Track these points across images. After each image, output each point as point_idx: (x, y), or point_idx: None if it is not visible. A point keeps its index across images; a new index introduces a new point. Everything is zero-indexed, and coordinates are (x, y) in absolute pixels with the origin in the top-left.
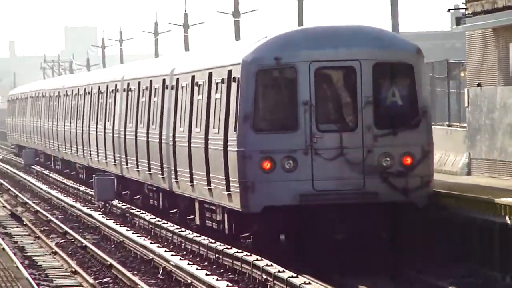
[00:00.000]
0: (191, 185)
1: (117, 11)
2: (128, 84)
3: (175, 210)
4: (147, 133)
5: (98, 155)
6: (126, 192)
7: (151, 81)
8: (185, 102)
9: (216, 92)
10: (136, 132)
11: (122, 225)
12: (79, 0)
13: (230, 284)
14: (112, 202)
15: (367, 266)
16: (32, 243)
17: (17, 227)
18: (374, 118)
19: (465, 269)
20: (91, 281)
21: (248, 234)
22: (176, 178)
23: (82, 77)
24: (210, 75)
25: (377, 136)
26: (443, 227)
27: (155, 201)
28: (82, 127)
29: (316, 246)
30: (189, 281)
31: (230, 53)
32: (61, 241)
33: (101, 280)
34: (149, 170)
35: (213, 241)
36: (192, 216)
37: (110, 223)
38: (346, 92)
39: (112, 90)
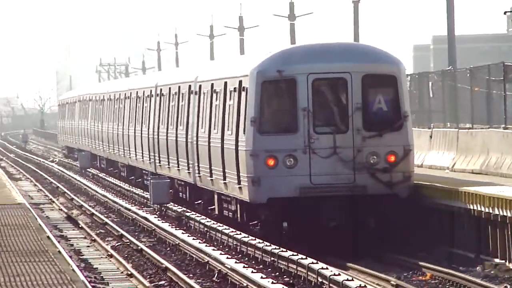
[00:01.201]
0: (210, 179)
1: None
2: (161, 90)
3: (199, 201)
4: (176, 133)
5: (136, 154)
6: None
7: (179, 87)
8: (206, 106)
9: (230, 99)
10: (167, 133)
11: (177, 228)
12: (135, 4)
13: (285, 287)
14: (167, 205)
15: (357, 249)
16: (88, 246)
17: (73, 230)
18: (362, 122)
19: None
20: (147, 284)
21: (256, 221)
22: (199, 173)
23: (123, 83)
24: (226, 83)
25: (365, 138)
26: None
27: (183, 194)
28: (123, 129)
29: (314, 232)
30: (245, 284)
31: (241, 66)
32: (117, 244)
33: (156, 283)
34: (178, 166)
35: (268, 244)
36: (213, 207)
37: (166, 226)
38: (339, 99)
39: (148, 95)
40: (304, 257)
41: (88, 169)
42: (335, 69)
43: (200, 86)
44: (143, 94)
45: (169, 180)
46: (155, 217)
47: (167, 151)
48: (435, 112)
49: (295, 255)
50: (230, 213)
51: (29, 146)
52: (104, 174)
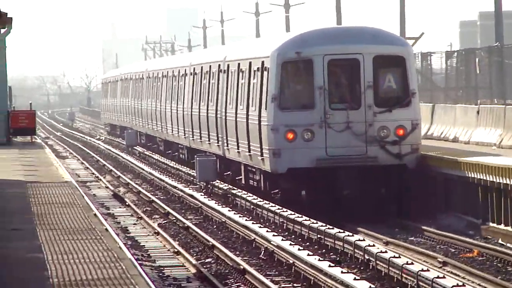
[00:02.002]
0: (237, 151)
1: None
2: (194, 69)
3: (228, 172)
4: (207, 110)
5: (172, 130)
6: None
7: (210, 66)
8: (233, 84)
9: (253, 78)
10: (199, 109)
11: (224, 206)
12: None
13: (332, 264)
14: (213, 182)
15: (369, 216)
16: (134, 224)
17: (120, 207)
18: (374, 99)
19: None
20: (194, 261)
21: (277, 190)
22: (227, 146)
23: (160, 62)
24: (250, 63)
25: (376, 113)
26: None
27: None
28: (160, 106)
29: (329, 200)
30: (291, 261)
31: (263, 47)
32: (163, 222)
33: (203, 260)
34: (209, 140)
35: (314, 221)
36: (240, 177)
37: (212, 203)
38: (352, 78)
39: (182, 74)
40: (350, 234)
41: (134, 147)
42: (348, 51)
43: (228, 66)
44: (179, 73)
45: (215, 158)
46: (201, 195)
47: (199, 127)
48: (482, 88)
49: (341, 232)
50: (254, 182)
51: (76, 124)
52: (150, 152)
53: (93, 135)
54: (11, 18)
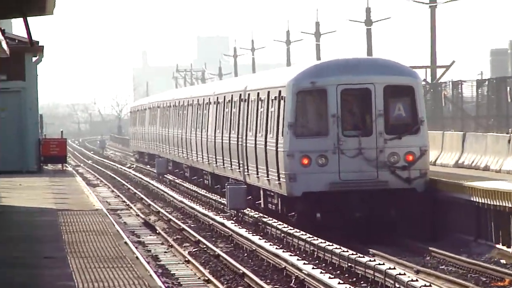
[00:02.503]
0: (257, 177)
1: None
2: (217, 98)
3: (249, 197)
4: (229, 137)
5: (197, 156)
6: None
7: (232, 96)
8: (253, 113)
9: (271, 106)
10: (222, 136)
11: (254, 234)
12: (211, 10)
13: None
14: (244, 210)
15: (380, 237)
16: (165, 252)
17: (150, 235)
18: (384, 126)
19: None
20: None
21: (293, 213)
22: (248, 172)
23: (186, 91)
24: (268, 93)
25: (387, 140)
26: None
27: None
28: (186, 133)
29: (342, 222)
30: None
31: (281, 77)
32: (194, 250)
33: None
34: (231, 166)
35: (345, 249)
36: (259, 201)
37: (243, 231)
38: (364, 107)
39: (207, 102)
40: (381, 263)
41: (165, 175)
42: (360, 81)
43: (248, 95)
44: (203, 102)
45: (245, 186)
46: (232, 223)
47: (222, 153)
48: None
49: (372, 260)
50: (273, 206)
51: (106, 152)
52: (181, 180)
53: (124, 163)
54: (43, 46)
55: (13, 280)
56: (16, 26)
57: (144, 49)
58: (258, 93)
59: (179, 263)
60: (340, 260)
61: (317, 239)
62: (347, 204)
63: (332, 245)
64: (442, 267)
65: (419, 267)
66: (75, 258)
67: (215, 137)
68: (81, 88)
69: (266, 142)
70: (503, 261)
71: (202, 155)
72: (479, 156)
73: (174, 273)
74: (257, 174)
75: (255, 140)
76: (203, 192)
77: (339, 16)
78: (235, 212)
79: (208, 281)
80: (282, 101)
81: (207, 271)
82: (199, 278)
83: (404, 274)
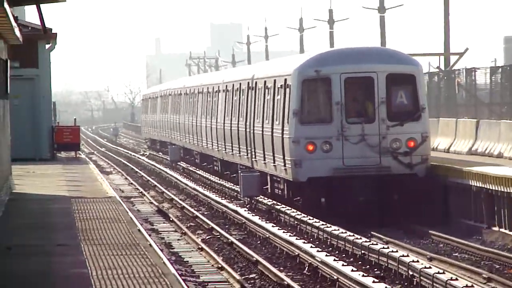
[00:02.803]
0: (264, 163)
1: (262, 7)
2: (226, 86)
3: None
4: (238, 124)
5: (207, 143)
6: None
7: (240, 84)
8: (260, 100)
9: (277, 94)
10: (231, 124)
11: (267, 221)
12: None
13: (376, 280)
14: (257, 198)
15: (382, 220)
16: (178, 239)
17: (164, 223)
18: (387, 113)
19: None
20: (238, 277)
21: (298, 198)
22: (255, 158)
23: (196, 79)
24: (275, 81)
25: (389, 126)
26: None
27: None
28: (197, 120)
29: (346, 206)
30: (335, 277)
31: (286, 66)
32: (207, 237)
33: (247, 276)
34: (239, 153)
35: (359, 237)
36: (266, 187)
37: (256, 219)
38: (367, 95)
39: (216, 90)
40: (395, 250)
41: (178, 163)
42: (363, 69)
43: (256, 83)
44: (213, 90)
45: (259, 173)
46: (245, 210)
47: (231, 140)
48: None
49: (385, 248)
50: (279, 191)
51: (120, 139)
52: (194, 168)
53: (137, 151)
54: (56, 33)
55: (27, 268)
56: (30, 13)
57: (157, 36)
58: (265, 81)
59: (192, 250)
60: (354, 248)
61: (331, 227)
62: (350, 189)
63: (346, 232)
64: (455, 254)
65: (432, 254)
66: (89, 246)
67: (224, 124)
68: (94, 75)
69: (272, 129)
70: None
71: (212, 142)
72: (492, 143)
73: (187, 261)
74: (264, 160)
75: (262, 127)
76: (216, 179)
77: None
78: (249, 199)
79: (222, 268)
80: (287, 89)
81: (220, 259)
82: (212, 265)
83: (418, 261)
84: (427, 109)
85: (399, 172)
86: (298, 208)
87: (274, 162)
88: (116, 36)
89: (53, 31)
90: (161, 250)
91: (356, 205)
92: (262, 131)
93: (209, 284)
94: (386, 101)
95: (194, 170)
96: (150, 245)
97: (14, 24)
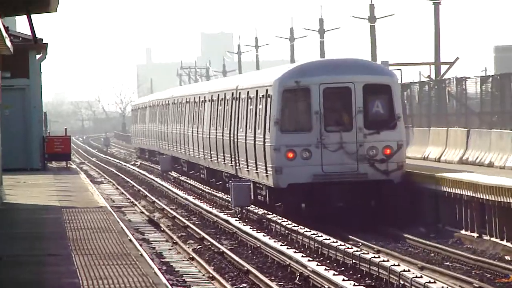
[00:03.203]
0: (247, 170)
1: (253, 17)
2: (212, 96)
3: None
4: (222, 133)
5: (193, 151)
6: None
7: (225, 94)
8: (243, 110)
9: (259, 104)
10: (216, 133)
11: (258, 231)
12: (215, 7)
13: None
14: (248, 208)
15: (360, 225)
16: (169, 249)
17: (155, 233)
18: (363, 122)
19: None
20: (229, 287)
21: (279, 203)
22: (239, 165)
23: (184, 89)
24: (257, 91)
25: (366, 135)
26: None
27: (228, 184)
28: (184, 129)
29: (325, 211)
30: (326, 287)
31: (268, 76)
32: (198, 247)
33: (238, 285)
34: (224, 161)
35: (350, 246)
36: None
37: (247, 228)
38: (344, 104)
39: (202, 100)
40: (385, 259)
41: (169, 172)
42: (341, 80)
43: (239, 93)
44: (199, 99)
45: (250, 183)
46: (236, 220)
47: (216, 149)
48: None
49: (376, 257)
50: (261, 197)
51: (111, 149)
52: (186, 178)
53: (128, 161)
54: (47, 43)
55: (17, 277)
56: (20, 24)
57: (148, 46)
58: (248, 92)
59: (183, 260)
60: (345, 257)
61: (322, 236)
62: (329, 195)
63: (337, 241)
64: (447, 263)
65: (423, 264)
66: (80, 255)
67: (210, 133)
68: (85, 85)
69: (255, 137)
70: (507, 257)
71: (198, 151)
72: (483, 152)
73: (178, 270)
74: (247, 167)
75: (246, 135)
76: (207, 189)
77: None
78: (240, 209)
79: (213, 278)
80: (269, 99)
81: (211, 268)
82: (203, 275)
83: (409, 270)
84: (402, 118)
85: (375, 178)
86: (280, 214)
87: (256, 170)
88: (107, 46)
89: (43, 41)
90: (152, 260)
91: (334, 210)
92: (245, 139)
93: None
94: (363, 110)
95: (185, 179)
96: (141, 255)
97: (5, 34)
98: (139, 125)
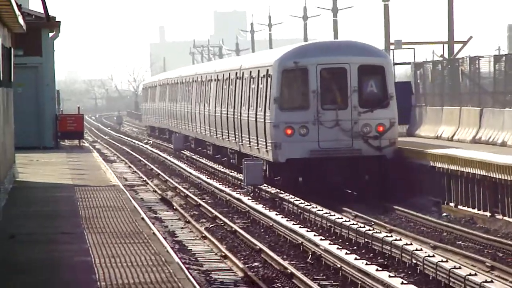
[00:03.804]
0: (249, 146)
1: None
2: (217, 76)
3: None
4: (227, 111)
5: (201, 129)
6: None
7: (229, 74)
8: (246, 89)
9: (261, 83)
10: (221, 111)
11: (271, 210)
12: None
13: (379, 269)
14: (261, 186)
15: (354, 198)
16: (182, 228)
17: (167, 211)
18: (358, 101)
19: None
20: (241, 265)
21: (278, 177)
22: (242, 142)
23: (191, 69)
24: (259, 71)
25: (360, 113)
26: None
27: (233, 160)
28: (191, 108)
29: (322, 185)
30: (339, 266)
31: (269, 57)
32: (210, 226)
33: (250, 264)
34: (228, 137)
35: (362, 225)
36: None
37: (259, 207)
38: (340, 84)
39: (209, 79)
40: (398, 238)
41: (182, 151)
42: (337, 61)
43: (243, 73)
44: (206, 79)
45: (262, 162)
46: (248, 199)
47: (221, 126)
48: None
49: (389, 236)
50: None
51: (123, 128)
52: (198, 156)
53: (141, 139)
54: (59, 22)
55: (30, 256)
56: (33, 2)
57: (161, 24)
58: (251, 72)
59: (196, 238)
60: (357, 236)
61: (334, 215)
62: (325, 169)
63: (349, 220)
64: (459, 242)
65: (435, 243)
66: (92, 234)
67: (215, 112)
68: (98, 63)
69: (256, 115)
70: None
71: (205, 128)
72: (496, 131)
73: (191, 249)
74: (249, 143)
75: (248, 113)
76: (220, 168)
77: None
78: (252, 188)
79: (225, 256)
80: (269, 79)
81: (224, 247)
82: (216, 253)
83: (421, 249)
84: (395, 97)
85: (369, 154)
86: (278, 187)
87: (257, 145)
88: (120, 24)
89: (56, 19)
90: (165, 239)
91: (330, 183)
92: (248, 117)
93: (212, 272)
94: (358, 90)
95: (197, 158)
96: (154, 233)
97: (17, 12)
98: (150, 104)
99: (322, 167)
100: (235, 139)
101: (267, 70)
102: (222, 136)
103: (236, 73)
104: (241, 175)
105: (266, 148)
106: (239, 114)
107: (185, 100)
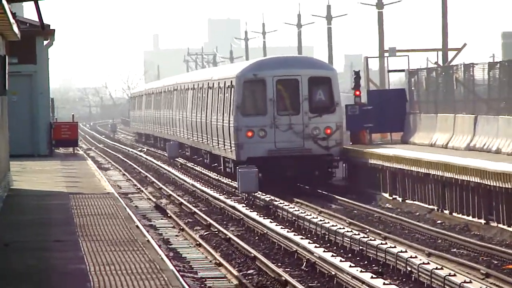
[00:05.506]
0: (218, 147)
1: (260, 3)
2: (193, 85)
3: (215, 164)
4: (201, 117)
5: (181, 133)
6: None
7: (202, 84)
8: (216, 97)
9: (226, 93)
10: (196, 116)
11: (265, 217)
12: None
13: (374, 276)
14: (255, 194)
15: (306, 191)
16: (176, 235)
17: (162, 219)
18: (309, 107)
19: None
20: (235, 273)
21: None
22: (212, 144)
23: (173, 79)
24: (225, 82)
25: (311, 118)
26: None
27: (206, 160)
28: (172, 114)
29: (278, 180)
30: (333, 273)
31: (232, 70)
32: (205, 233)
33: (245, 272)
34: (202, 140)
35: (356, 232)
36: (221, 167)
37: (254, 215)
38: (293, 93)
39: (186, 88)
40: (393, 245)
41: (176, 159)
42: (291, 73)
43: (213, 84)
44: (184, 88)
45: (256, 170)
46: (243, 206)
47: (196, 130)
48: None
49: (383, 243)
50: (228, 169)
51: (118, 135)
52: (192, 164)
53: (135, 147)
54: (54, 30)
55: (24, 263)
56: (28, 10)
57: (155, 32)
58: (219, 82)
59: (190, 246)
60: (352, 243)
61: (328, 222)
62: (281, 166)
63: (343, 228)
64: (454, 250)
65: (430, 250)
66: (87, 242)
67: (192, 117)
68: (92, 71)
69: (223, 120)
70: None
71: (184, 132)
72: (490, 139)
73: (185, 257)
74: (218, 145)
75: (217, 119)
76: (214, 175)
77: None
78: (246, 195)
79: (220, 264)
80: (233, 89)
81: (218, 255)
82: (210, 261)
83: (416, 257)
84: (340, 104)
85: (318, 153)
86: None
87: (224, 146)
88: (114, 32)
89: (51, 27)
90: (159, 246)
91: (285, 178)
92: (217, 122)
93: (207, 280)
94: (308, 98)
95: (192, 166)
96: (148, 241)
97: (12, 20)
98: (137, 112)
99: (278, 164)
100: (207, 141)
101: (231, 81)
102: (197, 139)
103: (208, 83)
104: (231, 180)
105: (231, 148)
106: (210, 120)
107: (166, 107)
